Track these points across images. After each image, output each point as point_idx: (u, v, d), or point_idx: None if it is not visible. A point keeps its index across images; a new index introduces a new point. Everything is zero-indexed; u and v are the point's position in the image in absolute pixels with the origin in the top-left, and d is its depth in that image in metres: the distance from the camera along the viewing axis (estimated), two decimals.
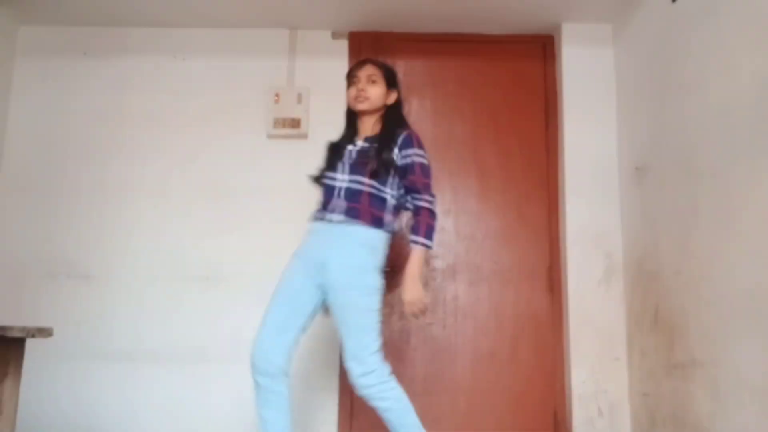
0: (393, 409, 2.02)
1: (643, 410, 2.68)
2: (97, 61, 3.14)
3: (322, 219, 2.15)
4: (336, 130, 2.99)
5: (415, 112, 3.13)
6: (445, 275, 3.02)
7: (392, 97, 2.28)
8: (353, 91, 2.23)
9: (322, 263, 2.08)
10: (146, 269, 2.96)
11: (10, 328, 1.86)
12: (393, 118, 2.27)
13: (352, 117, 2.31)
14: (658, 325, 2.56)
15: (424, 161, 2.17)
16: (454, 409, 2.92)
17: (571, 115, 3.03)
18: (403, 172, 2.15)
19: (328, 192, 2.16)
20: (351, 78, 2.27)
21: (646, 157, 2.72)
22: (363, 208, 2.09)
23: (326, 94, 3.08)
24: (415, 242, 2.11)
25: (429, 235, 2.12)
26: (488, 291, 3.01)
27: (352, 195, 2.11)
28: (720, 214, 2.17)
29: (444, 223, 3.06)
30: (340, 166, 2.17)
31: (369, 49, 3.17)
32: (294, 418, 2.82)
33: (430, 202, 2.15)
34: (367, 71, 2.24)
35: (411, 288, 2.09)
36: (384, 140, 2.17)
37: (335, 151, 2.23)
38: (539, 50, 3.20)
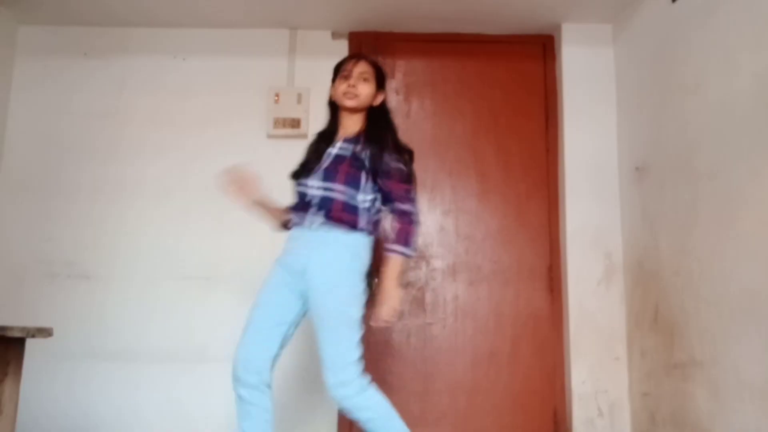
0: (374, 419, 1.94)
1: (643, 410, 2.68)
2: (97, 61, 3.14)
3: (300, 225, 2.08)
4: None
5: (415, 112, 3.13)
6: (445, 275, 3.02)
7: (379, 99, 2.21)
8: (343, 86, 2.15)
9: (302, 270, 2.02)
10: (146, 269, 2.96)
11: (10, 328, 1.86)
12: (378, 119, 2.19)
13: (335, 111, 2.23)
14: (658, 325, 2.56)
15: (404, 168, 2.10)
16: (454, 409, 2.92)
17: (571, 114, 3.03)
18: (384, 176, 2.07)
19: (301, 198, 2.10)
20: (342, 72, 2.19)
21: (646, 157, 2.72)
22: (336, 216, 2.02)
23: (326, 94, 3.06)
24: (393, 251, 2.02)
25: (407, 241, 2.03)
26: (488, 291, 3.01)
27: (324, 203, 2.04)
28: (720, 214, 2.17)
29: (444, 223, 3.06)
30: (315, 172, 2.09)
31: (369, 49, 3.17)
32: (294, 417, 2.83)
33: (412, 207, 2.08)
34: (360, 68, 2.17)
35: (389, 294, 2.00)
36: (372, 142, 2.10)
37: (316, 153, 2.16)
38: (539, 50, 3.20)
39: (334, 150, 2.13)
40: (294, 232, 2.12)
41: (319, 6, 2.96)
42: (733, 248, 2.09)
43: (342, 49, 3.15)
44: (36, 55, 3.15)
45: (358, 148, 2.09)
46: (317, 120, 3.03)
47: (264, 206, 2.25)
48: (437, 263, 3.03)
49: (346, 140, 2.14)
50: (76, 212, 3.00)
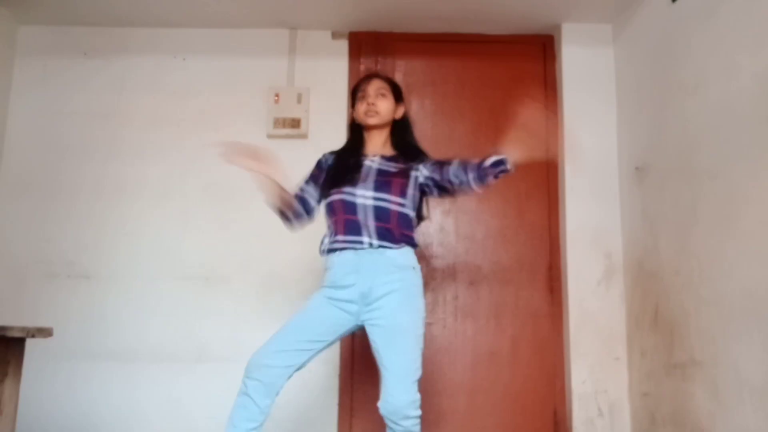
0: None
1: (643, 410, 2.68)
2: (97, 61, 3.14)
3: (350, 247, 2.02)
4: (336, 130, 3.00)
5: (415, 112, 3.13)
6: (445, 275, 3.02)
7: (400, 111, 2.23)
8: (363, 105, 2.16)
9: (364, 292, 1.98)
10: (146, 269, 2.96)
11: (10, 328, 1.86)
12: (405, 134, 2.23)
13: (358, 132, 2.23)
14: (658, 325, 2.56)
15: None
16: (454, 409, 2.92)
17: (571, 115, 3.03)
18: (433, 172, 2.10)
19: (349, 209, 2.04)
20: (359, 93, 2.20)
21: (646, 157, 2.72)
22: (395, 229, 2.02)
23: (326, 94, 3.08)
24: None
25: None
26: (488, 291, 3.01)
27: (381, 214, 2.02)
28: (720, 214, 2.17)
29: (444, 223, 3.06)
30: (360, 182, 2.06)
31: (369, 49, 3.17)
32: (294, 418, 2.83)
33: None
34: (376, 85, 2.18)
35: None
36: (411, 154, 2.15)
37: (349, 165, 2.13)
38: (539, 50, 3.20)
39: (374, 164, 2.13)
40: (343, 256, 2.03)
41: (319, 6, 2.96)
42: (733, 248, 2.09)
43: (342, 49, 3.15)
44: (36, 55, 3.15)
45: (402, 164, 2.12)
46: (317, 120, 3.05)
47: (272, 183, 2.12)
48: (437, 263, 3.03)
49: (384, 158, 2.15)
50: (76, 212, 3.00)
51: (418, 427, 1.94)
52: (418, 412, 1.93)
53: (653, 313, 2.61)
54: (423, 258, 3.02)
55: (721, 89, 2.19)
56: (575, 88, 3.05)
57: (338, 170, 2.14)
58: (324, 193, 2.14)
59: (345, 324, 2.02)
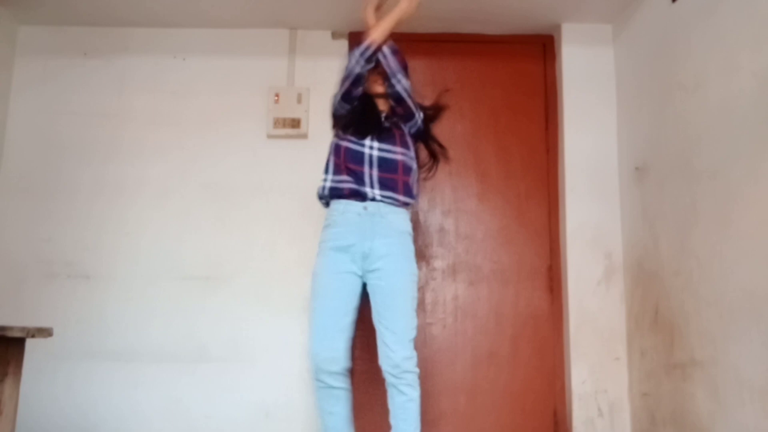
0: (416, 399, 2.10)
1: (643, 410, 2.68)
2: (97, 61, 3.14)
3: (352, 198, 2.18)
4: None
5: None
6: (445, 275, 3.02)
7: None
8: (374, 75, 2.33)
9: (365, 253, 2.16)
10: (146, 269, 2.96)
11: (10, 328, 1.86)
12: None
13: (370, 104, 2.37)
14: (658, 325, 2.56)
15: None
16: (454, 409, 2.92)
17: (571, 114, 3.03)
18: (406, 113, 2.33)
19: (357, 159, 2.21)
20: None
21: (646, 157, 2.72)
22: (399, 179, 2.18)
23: (326, 94, 3.05)
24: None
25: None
26: (488, 291, 3.01)
27: (386, 164, 2.19)
28: (720, 214, 2.17)
29: (444, 223, 3.06)
30: (368, 135, 2.24)
31: None
32: (294, 417, 2.83)
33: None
34: (380, 68, 2.34)
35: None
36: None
37: (366, 115, 2.30)
38: (539, 50, 3.20)
39: (382, 118, 2.32)
40: (348, 209, 2.19)
41: (319, 6, 2.96)
42: (733, 248, 2.09)
43: (342, 49, 3.14)
44: (36, 55, 3.15)
45: (395, 119, 2.33)
46: (317, 120, 3.05)
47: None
48: (437, 263, 3.03)
49: (388, 116, 2.34)
50: (76, 212, 3.00)
51: (417, 383, 2.10)
52: (417, 369, 2.10)
53: (653, 313, 2.61)
54: (423, 258, 3.02)
55: (721, 89, 2.19)
56: (575, 87, 3.05)
57: (355, 117, 2.30)
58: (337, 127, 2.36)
59: (358, 284, 2.20)
